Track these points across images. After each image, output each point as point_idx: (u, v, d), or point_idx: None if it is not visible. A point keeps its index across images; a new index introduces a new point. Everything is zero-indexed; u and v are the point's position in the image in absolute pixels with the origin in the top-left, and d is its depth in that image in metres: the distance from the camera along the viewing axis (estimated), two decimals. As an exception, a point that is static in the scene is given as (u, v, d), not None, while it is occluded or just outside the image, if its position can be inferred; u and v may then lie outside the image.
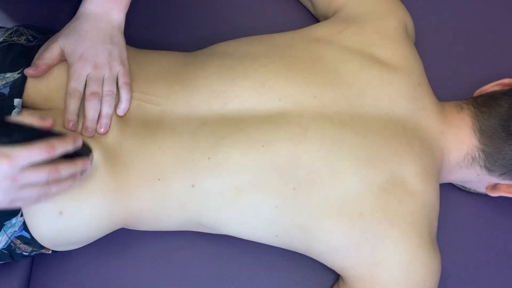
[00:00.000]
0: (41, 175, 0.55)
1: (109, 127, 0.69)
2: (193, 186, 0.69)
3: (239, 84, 0.71)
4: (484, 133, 0.75)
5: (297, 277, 0.82)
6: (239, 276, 0.82)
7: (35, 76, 0.69)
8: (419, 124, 0.74)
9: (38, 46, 0.73)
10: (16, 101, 0.69)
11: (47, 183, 0.56)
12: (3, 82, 0.70)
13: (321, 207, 0.68)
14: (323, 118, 0.70)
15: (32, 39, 0.75)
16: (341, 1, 0.84)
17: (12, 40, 0.73)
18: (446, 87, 0.89)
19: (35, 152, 0.54)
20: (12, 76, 0.70)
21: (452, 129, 0.76)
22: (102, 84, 0.69)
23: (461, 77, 0.93)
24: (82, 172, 0.62)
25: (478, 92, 0.83)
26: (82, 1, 0.72)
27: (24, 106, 0.70)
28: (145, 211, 0.70)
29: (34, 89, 0.71)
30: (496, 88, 0.80)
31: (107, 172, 0.67)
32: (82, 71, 0.69)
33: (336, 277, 0.81)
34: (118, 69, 0.70)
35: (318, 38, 0.77)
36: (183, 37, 0.95)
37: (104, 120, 0.68)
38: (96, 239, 0.74)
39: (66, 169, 0.58)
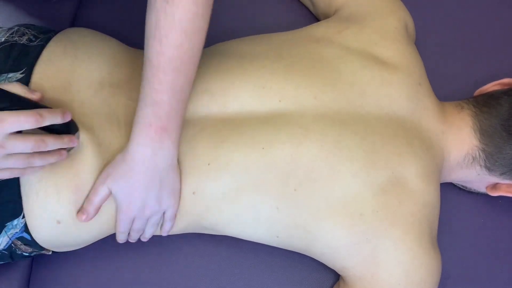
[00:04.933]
0: (27, 144, 0.55)
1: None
2: (194, 193, 0.68)
3: (239, 86, 0.71)
4: (484, 133, 0.75)
5: (297, 277, 0.82)
6: (239, 276, 0.82)
7: (87, 221, 0.67)
8: (420, 124, 0.74)
9: (40, 46, 0.73)
10: None
11: (33, 153, 0.56)
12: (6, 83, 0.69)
13: (322, 207, 0.68)
14: (324, 118, 0.70)
15: (33, 39, 0.74)
16: (342, 0, 0.84)
17: (14, 40, 0.72)
18: (446, 87, 0.89)
19: (23, 118, 0.54)
20: (14, 76, 0.70)
21: (452, 129, 0.76)
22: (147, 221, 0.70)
23: (461, 77, 0.93)
24: (69, 149, 0.62)
25: (478, 91, 0.83)
26: (130, 140, 0.64)
27: None
28: None
29: (38, 90, 0.70)
30: (496, 88, 0.80)
31: None
32: (129, 216, 0.68)
33: (336, 277, 0.81)
34: (164, 210, 0.69)
35: (318, 38, 0.77)
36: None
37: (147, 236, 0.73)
38: (97, 240, 0.74)
39: (52, 141, 0.57)
